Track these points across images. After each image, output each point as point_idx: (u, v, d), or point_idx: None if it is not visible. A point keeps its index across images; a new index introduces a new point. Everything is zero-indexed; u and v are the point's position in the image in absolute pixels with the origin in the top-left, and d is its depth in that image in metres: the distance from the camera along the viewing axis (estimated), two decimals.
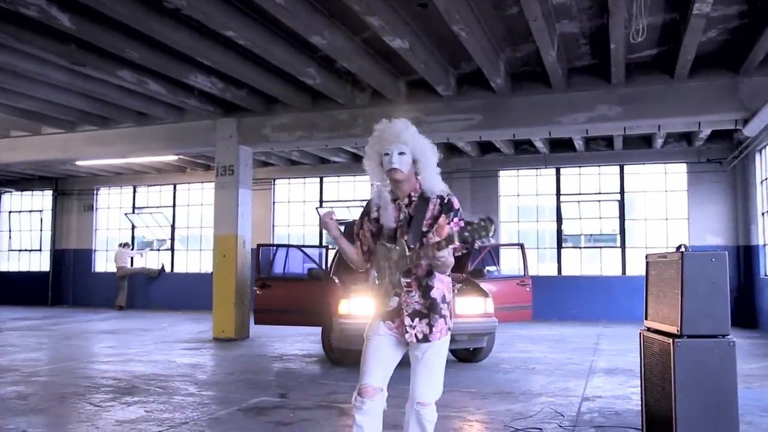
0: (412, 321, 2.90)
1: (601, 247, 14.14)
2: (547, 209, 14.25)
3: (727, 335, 3.66)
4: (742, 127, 8.71)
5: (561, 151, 13.16)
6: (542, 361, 7.80)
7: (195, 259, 16.84)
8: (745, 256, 12.09)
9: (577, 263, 13.98)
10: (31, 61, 7.98)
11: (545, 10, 6.33)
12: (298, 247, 10.05)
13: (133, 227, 17.29)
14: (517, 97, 9.09)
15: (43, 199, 18.31)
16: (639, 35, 5.12)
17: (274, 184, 16.02)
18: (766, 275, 11.22)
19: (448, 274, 2.98)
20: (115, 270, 16.35)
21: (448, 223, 2.77)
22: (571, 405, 5.37)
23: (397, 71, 8.88)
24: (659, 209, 13.39)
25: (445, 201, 2.91)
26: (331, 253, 10.14)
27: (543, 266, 14.36)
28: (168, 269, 16.87)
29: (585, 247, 14.35)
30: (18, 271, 18.54)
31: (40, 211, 18.33)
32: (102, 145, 11.68)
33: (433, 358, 2.92)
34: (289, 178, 15.93)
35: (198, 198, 16.71)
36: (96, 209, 17.75)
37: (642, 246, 13.28)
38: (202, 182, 16.22)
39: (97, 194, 17.77)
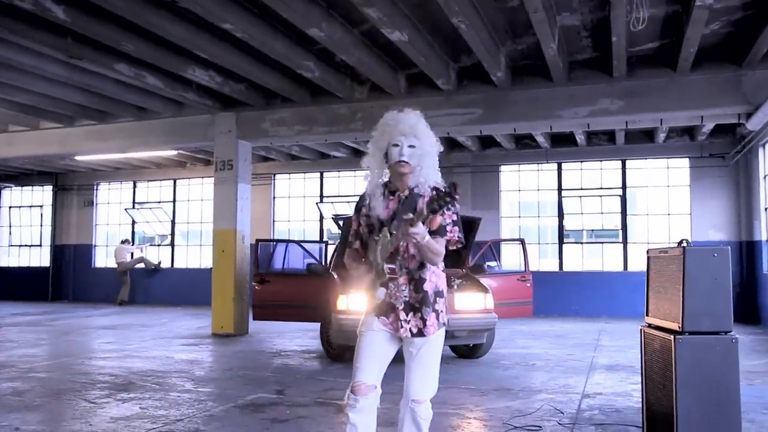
0: (407, 315, 2.83)
1: (602, 243, 14.09)
2: (549, 204, 14.18)
3: (730, 332, 3.59)
4: (746, 121, 8.62)
5: (562, 145, 13.09)
6: (542, 358, 7.74)
7: (195, 254, 16.81)
8: (747, 251, 12.01)
9: (579, 259, 13.92)
10: (28, 54, 7.92)
11: (546, 2, 6.25)
12: (297, 242, 9.99)
13: (134, 222, 17.25)
14: (518, 91, 9.01)
15: (43, 194, 18.28)
16: (639, 23, 5.05)
17: (274, 179, 15.96)
18: None
19: (442, 269, 2.91)
20: (115, 266, 16.34)
21: (441, 215, 2.70)
22: (571, 402, 5.31)
23: (396, 65, 8.80)
24: (661, 204, 13.31)
25: (439, 191, 2.83)
26: (331, 249, 10.09)
27: (544, 262, 14.32)
28: (168, 264, 16.85)
29: (586, 243, 14.29)
30: (18, 266, 18.53)
31: (40, 206, 18.30)
32: (101, 139, 11.63)
33: (428, 354, 2.85)
34: (289, 173, 15.86)
35: (198, 193, 16.66)
36: (96, 204, 17.71)
37: (644, 241, 13.21)
38: (202, 177, 16.15)
39: (97, 189, 17.72)
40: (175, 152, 13.72)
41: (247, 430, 4.48)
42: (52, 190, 17.89)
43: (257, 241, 8.87)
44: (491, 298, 7.10)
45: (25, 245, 18.63)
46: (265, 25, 7.19)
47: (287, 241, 10.10)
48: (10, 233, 18.81)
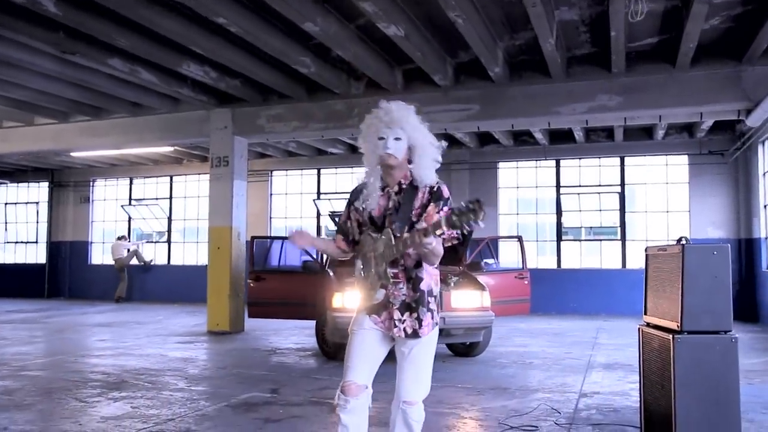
0: (402, 315, 2.76)
1: (601, 240, 14.04)
2: (547, 201, 14.11)
3: (729, 331, 3.52)
4: (745, 118, 8.55)
5: (561, 142, 13.02)
6: (540, 356, 7.68)
7: (192, 251, 16.73)
8: (746, 249, 11.95)
9: (577, 256, 13.87)
10: (20, 49, 7.82)
11: None
12: None
13: (130, 219, 17.17)
14: (516, 87, 8.93)
15: (39, 190, 18.20)
16: (638, 15, 4.97)
17: (271, 176, 15.88)
18: (767, 268, 11.09)
19: (437, 266, 2.84)
20: (112, 262, 16.26)
21: (438, 212, 2.63)
22: (568, 401, 5.25)
23: (393, 60, 8.72)
24: (660, 201, 13.25)
25: (435, 189, 2.76)
26: None
27: (542, 259, 14.25)
28: (165, 261, 16.77)
29: (585, 240, 14.23)
30: (14, 263, 18.44)
31: (36, 202, 18.22)
32: (95, 135, 11.54)
33: (421, 354, 2.78)
34: (286, 170, 15.79)
35: (195, 190, 16.58)
36: (92, 201, 17.63)
37: (642, 239, 13.16)
38: (199, 174, 16.06)
39: (93, 186, 17.64)
40: (170, 148, 13.62)
41: (239, 430, 4.41)
42: (48, 187, 17.81)
43: (253, 238, 8.80)
44: (488, 296, 7.04)
45: (21, 242, 18.55)
46: (260, 19, 7.10)
47: (283, 238, 10.01)
48: (5, 230, 18.71)
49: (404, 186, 2.81)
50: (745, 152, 11.68)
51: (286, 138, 11.49)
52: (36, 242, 18.23)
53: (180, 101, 10.48)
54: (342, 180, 15.45)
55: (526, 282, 8.67)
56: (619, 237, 13.42)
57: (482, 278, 7.66)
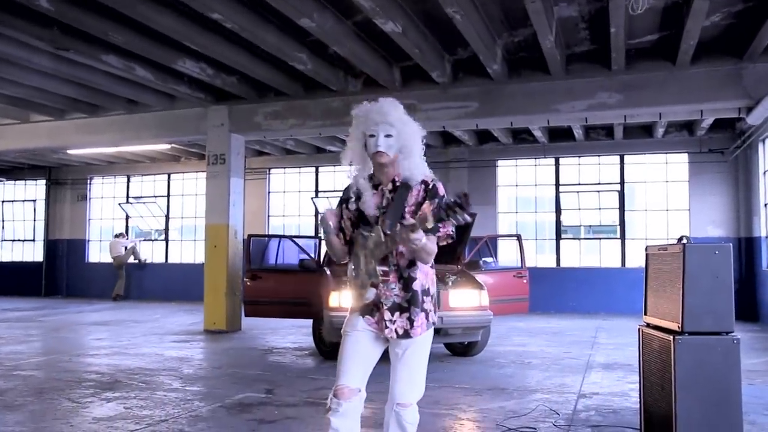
0: (392, 315, 2.69)
1: (600, 239, 13.98)
2: (546, 200, 14.04)
3: (731, 332, 3.46)
4: (746, 116, 8.49)
5: (560, 140, 12.94)
6: (539, 355, 7.61)
7: (189, 249, 16.65)
8: (746, 248, 11.89)
9: (576, 255, 13.81)
10: (15, 45, 7.74)
11: None
12: (290, 237, 9.84)
13: (127, 217, 17.10)
14: (515, 84, 8.86)
15: (36, 188, 18.11)
16: (639, 8, 4.90)
17: (269, 174, 15.81)
18: (767, 267, 11.02)
19: (431, 265, 2.77)
20: (110, 260, 16.19)
21: (433, 209, 2.55)
22: (567, 402, 5.18)
23: (391, 57, 8.64)
24: (660, 200, 13.19)
25: (430, 186, 2.70)
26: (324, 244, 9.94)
27: (541, 258, 14.19)
28: (162, 259, 16.70)
29: (584, 239, 14.17)
30: (11, 261, 18.36)
31: (33, 200, 18.13)
32: (92, 133, 11.47)
33: (415, 356, 2.71)
34: (284, 168, 15.71)
35: (192, 188, 16.50)
36: (89, 199, 17.55)
37: (642, 237, 13.10)
38: (197, 172, 15.98)
39: (90, 184, 17.55)
40: (168, 146, 13.55)
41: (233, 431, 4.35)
42: (45, 185, 17.73)
43: (249, 236, 8.73)
44: (486, 295, 6.97)
45: (18, 240, 18.47)
46: (256, 15, 7.02)
47: (280, 237, 9.95)
48: (2, 228, 18.63)
49: (398, 183, 2.74)
50: (746, 150, 11.62)
51: (283, 135, 11.41)
52: (33, 240, 18.14)
53: (176, 98, 10.40)
54: (340, 178, 15.37)
55: (524, 281, 8.60)
56: (618, 235, 13.35)
57: (480, 277, 7.59)
